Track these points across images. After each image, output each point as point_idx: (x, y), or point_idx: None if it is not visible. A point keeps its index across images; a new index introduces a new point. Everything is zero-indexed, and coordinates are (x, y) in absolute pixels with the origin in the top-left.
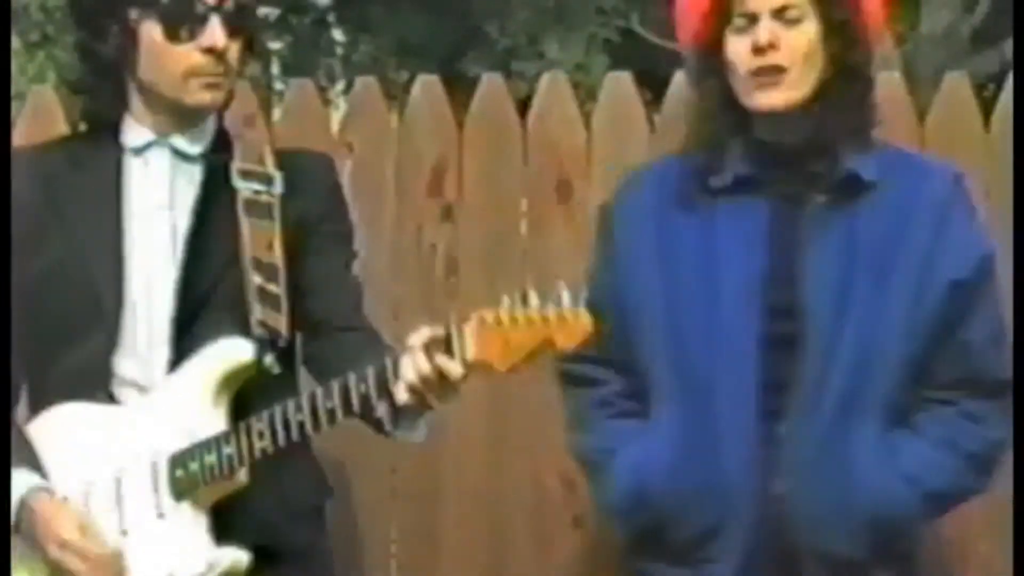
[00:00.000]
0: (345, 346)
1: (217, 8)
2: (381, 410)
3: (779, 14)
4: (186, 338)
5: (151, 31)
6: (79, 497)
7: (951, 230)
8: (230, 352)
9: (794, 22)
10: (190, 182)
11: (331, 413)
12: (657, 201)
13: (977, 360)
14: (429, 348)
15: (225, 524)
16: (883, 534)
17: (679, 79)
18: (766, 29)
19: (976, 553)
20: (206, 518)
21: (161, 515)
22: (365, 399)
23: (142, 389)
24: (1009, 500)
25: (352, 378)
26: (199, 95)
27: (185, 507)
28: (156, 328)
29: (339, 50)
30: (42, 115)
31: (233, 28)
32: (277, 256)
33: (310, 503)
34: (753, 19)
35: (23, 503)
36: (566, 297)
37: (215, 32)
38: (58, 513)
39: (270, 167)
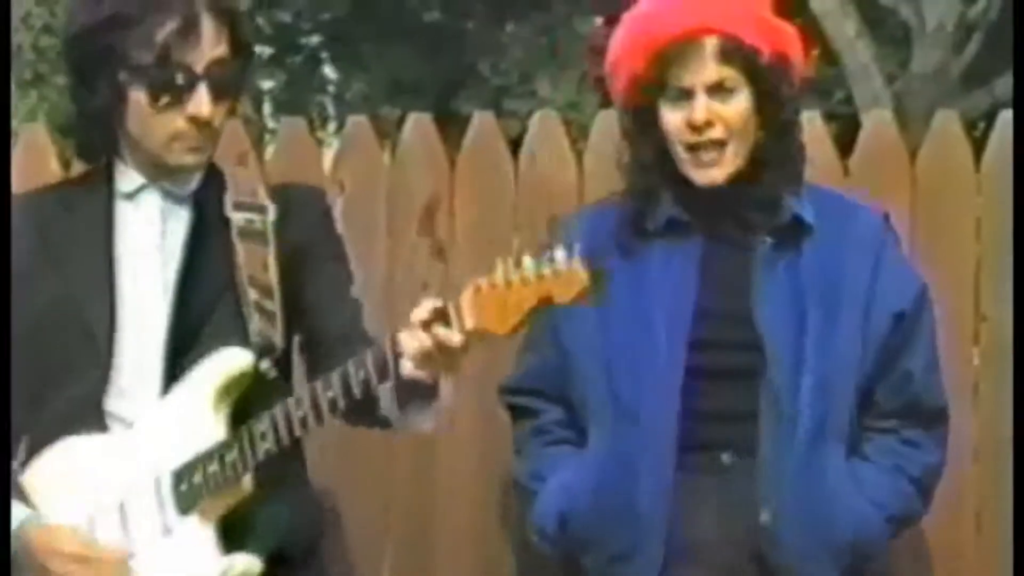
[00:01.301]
0: (346, 355)
1: (204, 77)
2: (384, 396)
3: (714, 89)
4: (178, 371)
5: (138, 94)
6: (84, 526)
7: (888, 265)
8: (228, 361)
9: (728, 94)
10: (180, 221)
11: (332, 403)
12: (593, 242)
13: (917, 388)
14: (427, 323)
15: None
16: (860, 558)
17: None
18: (702, 107)
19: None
20: (214, 530)
21: (168, 531)
22: (366, 384)
23: (132, 426)
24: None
25: (351, 365)
26: (182, 158)
27: (192, 520)
28: (147, 366)
29: (331, 88)
30: (34, 154)
31: (219, 94)
32: (272, 276)
33: (304, 543)
34: (688, 94)
35: (16, 536)
36: (560, 254)
37: (201, 102)
38: (57, 532)
39: (263, 198)
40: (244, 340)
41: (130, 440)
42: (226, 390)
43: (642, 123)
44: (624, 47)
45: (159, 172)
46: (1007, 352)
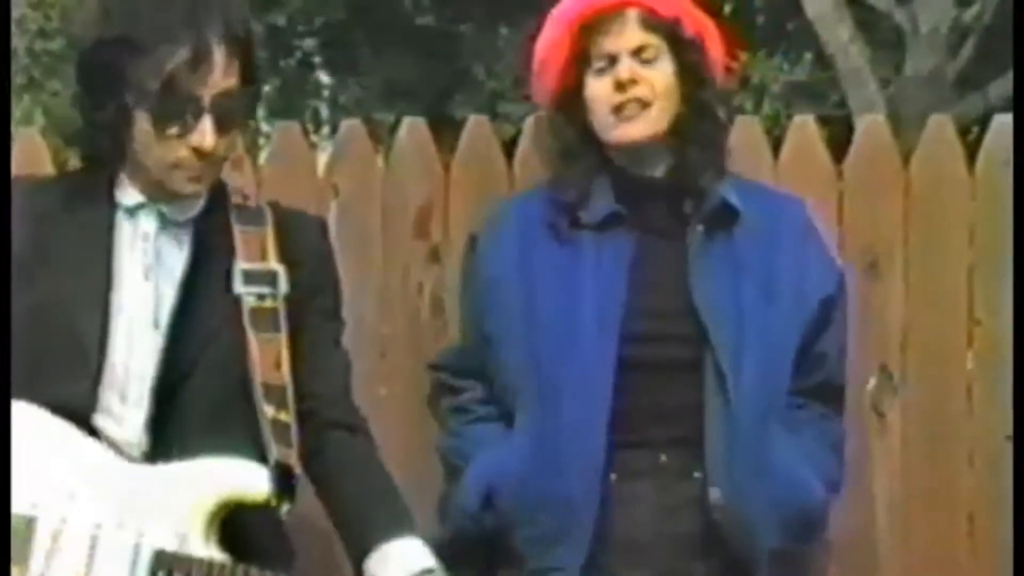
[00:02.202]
0: (337, 450)
1: (210, 109)
2: None
3: (637, 54)
4: (166, 407)
5: (142, 118)
6: (51, 519)
7: (813, 251)
8: (245, 479)
9: (651, 62)
10: (178, 246)
11: None
12: (523, 230)
13: (829, 370)
14: None
15: None
16: (806, 524)
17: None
18: (626, 67)
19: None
20: None
21: None
22: None
23: (118, 446)
24: None
25: None
26: (182, 186)
27: None
28: (135, 391)
29: (325, 92)
30: (28, 158)
31: (224, 125)
32: (285, 374)
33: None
34: (612, 60)
35: None
36: None
37: (206, 133)
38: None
39: (272, 261)
40: (267, 450)
41: (119, 478)
42: (231, 504)
43: (568, 104)
44: (552, 35)
45: (158, 193)
46: (1001, 356)
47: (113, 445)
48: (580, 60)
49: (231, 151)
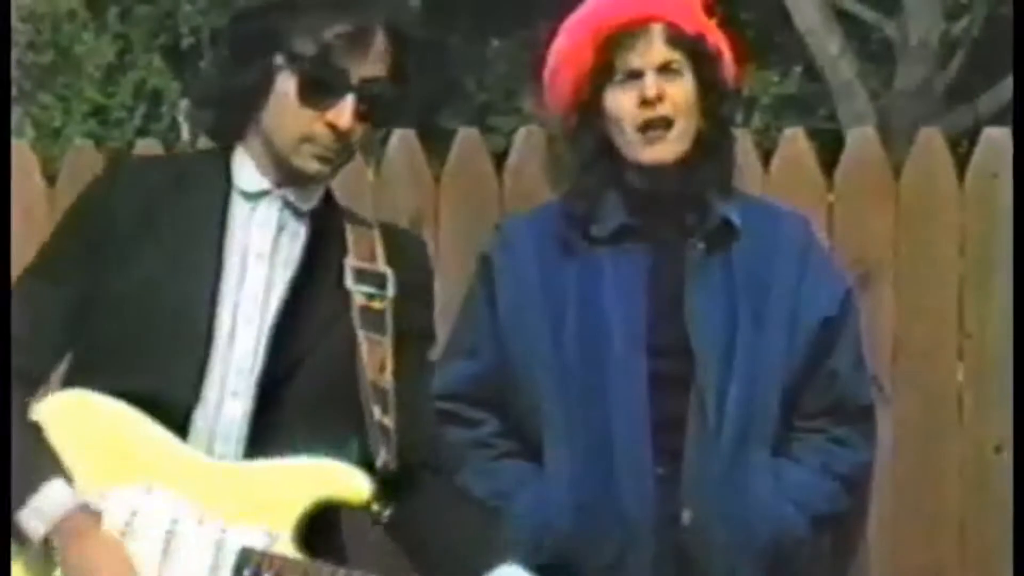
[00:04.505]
0: (423, 495)
1: (356, 89)
2: None
3: (662, 69)
4: (271, 399)
5: (286, 82)
6: (117, 522)
7: (813, 269)
8: (345, 480)
9: (675, 76)
10: (295, 238)
11: None
12: (538, 247)
13: (843, 388)
14: None
15: None
16: (780, 558)
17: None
18: (652, 83)
19: None
20: None
21: None
22: None
23: (211, 439)
24: None
25: None
26: (307, 163)
27: None
28: (238, 382)
29: None
30: (18, 170)
31: (366, 112)
32: (389, 378)
33: None
34: (637, 75)
35: (56, 527)
36: None
37: (345, 111)
38: (106, 557)
39: (381, 264)
40: (374, 454)
41: (203, 474)
42: (325, 503)
43: (585, 116)
44: (570, 43)
45: (281, 175)
46: (991, 368)
47: (207, 438)
48: (602, 72)
49: (365, 141)
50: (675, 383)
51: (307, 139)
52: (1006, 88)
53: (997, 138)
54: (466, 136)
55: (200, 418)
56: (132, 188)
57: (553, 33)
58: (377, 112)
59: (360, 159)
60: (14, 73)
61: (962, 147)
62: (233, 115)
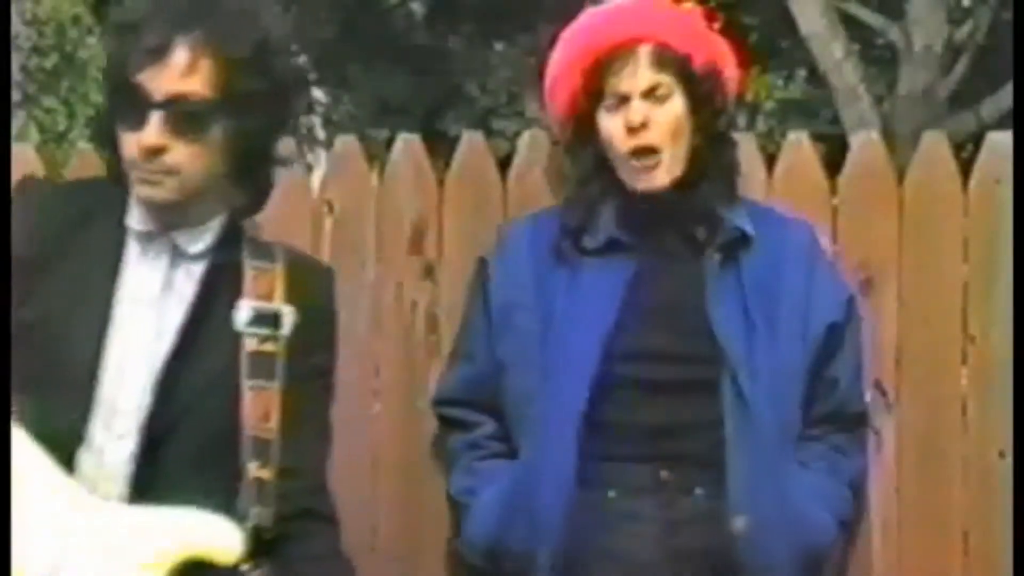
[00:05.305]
0: (307, 542)
1: (161, 106)
2: None
3: (648, 94)
4: (155, 444)
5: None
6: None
7: (819, 275)
8: (218, 538)
9: (662, 100)
10: (188, 279)
11: None
12: (534, 253)
13: (842, 395)
14: None
15: None
16: (816, 565)
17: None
18: (638, 110)
19: None
20: None
21: None
22: None
23: (94, 480)
24: None
25: None
26: (139, 189)
27: None
28: (123, 424)
29: (319, 109)
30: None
31: (179, 129)
32: (274, 427)
33: None
34: (624, 99)
35: None
36: None
37: (150, 130)
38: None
39: (278, 300)
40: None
41: (83, 517)
42: (196, 562)
43: (582, 133)
44: (563, 62)
45: (152, 213)
46: (995, 373)
47: (93, 477)
48: (592, 96)
49: (200, 161)
50: (693, 389)
51: (131, 166)
52: (1010, 93)
53: (1000, 143)
54: (470, 140)
55: (85, 458)
56: (37, 214)
57: (555, 38)
58: (194, 126)
59: (364, 164)
60: (19, 77)
61: (966, 152)
62: (111, 153)
